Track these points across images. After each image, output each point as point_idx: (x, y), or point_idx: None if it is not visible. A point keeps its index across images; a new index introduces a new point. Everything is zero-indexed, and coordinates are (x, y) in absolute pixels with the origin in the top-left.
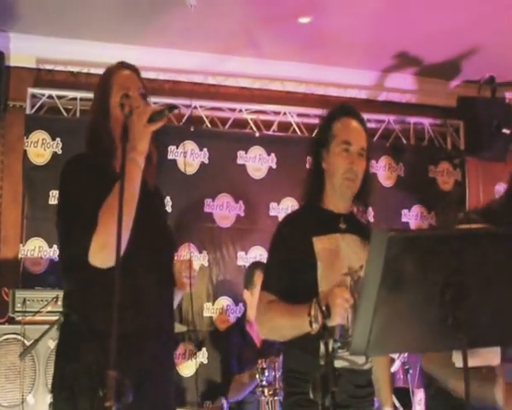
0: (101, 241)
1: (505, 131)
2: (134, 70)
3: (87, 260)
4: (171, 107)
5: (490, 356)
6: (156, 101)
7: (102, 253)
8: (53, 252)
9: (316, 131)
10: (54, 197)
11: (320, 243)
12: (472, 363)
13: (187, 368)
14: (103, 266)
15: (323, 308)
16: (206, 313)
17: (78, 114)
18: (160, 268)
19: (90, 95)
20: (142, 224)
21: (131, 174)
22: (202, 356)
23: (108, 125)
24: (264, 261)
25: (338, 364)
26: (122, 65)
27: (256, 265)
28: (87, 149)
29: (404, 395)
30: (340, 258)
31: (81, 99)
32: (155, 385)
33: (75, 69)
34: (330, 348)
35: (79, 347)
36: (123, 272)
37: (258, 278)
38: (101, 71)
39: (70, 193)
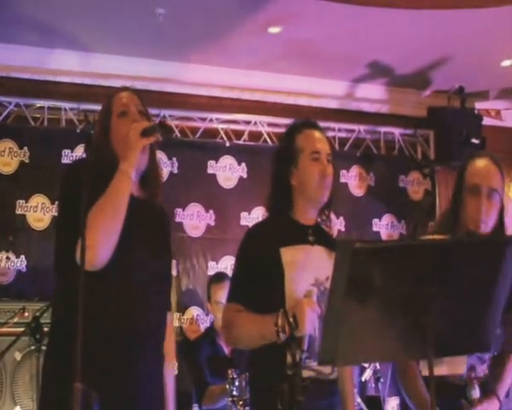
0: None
1: (474, 140)
2: (133, 92)
3: (75, 267)
4: (162, 124)
5: (456, 364)
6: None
7: (87, 254)
8: (20, 262)
9: (278, 149)
10: (21, 207)
11: (288, 254)
12: (438, 371)
13: None
14: (88, 267)
15: (291, 319)
16: (175, 324)
17: (45, 123)
18: (152, 283)
19: (59, 103)
20: (137, 238)
21: (119, 183)
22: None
23: (110, 143)
24: (220, 274)
25: (305, 374)
26: (123, 88)
27: (212, 278)
28: (91, 158)
29: (375, 404)
30: (308, 269)
31: (49, 108)
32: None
33: (43, 77)
34: (298, 358)
35: (63, 357)
36: (110, 282)
37: (214, 290)
38: (69, 79)
39: (65, 202)
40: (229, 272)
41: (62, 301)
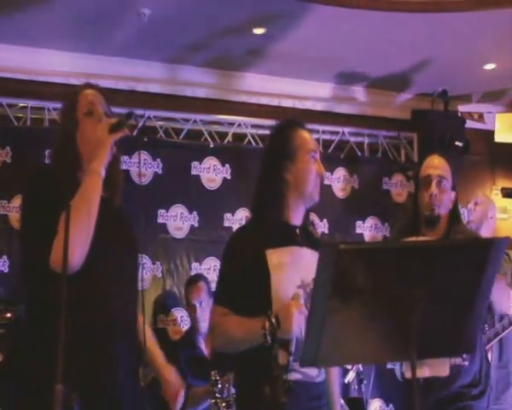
0: (60, 246)
1: (458, 143)
2: (98, 90)
3: (48, 269)
4: (128, 114)
5: (438, 367)
6: None
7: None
8: (2, 263)
9: (272, 144)
10: (3, 207)
11: (273, 256)
12: (421, 374)
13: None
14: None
15: (274, 320)
16: (159, 325)
17: (28, 123)
18: (125, 280)
19: (42, 103)
20: (105, 236)
21: (91, 183)
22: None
23: (74, 140)
24: (193, 276)
25: (292, 376)
26: (87, 85)
27: (186, 281)
28: (52, 162)
29: (358, 406)
30: (294, 271)
31: (32, 108)
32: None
33: (26, 77)
34: (285, 361)
35: (41, 360)
36: (86, 282)
37: (189, 293)
38: (53, 79)
39: (32, 205)
40: (213, 274)
41: (37, 303)
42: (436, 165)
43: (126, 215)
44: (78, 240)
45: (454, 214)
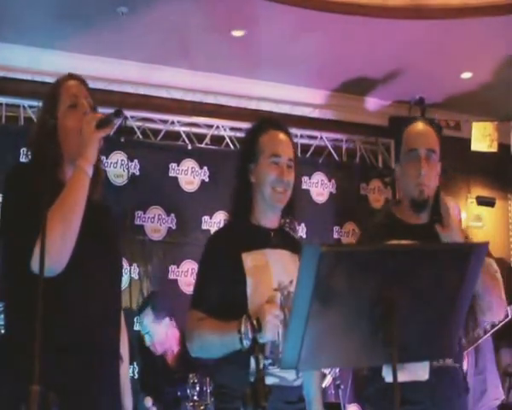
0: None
1: None
2: (81, 81)
3: (29, 270)
4: (117, 111)
5: (419, 371)
6: None
7: (45, 259)
8: None
9: (242, 146)
10: None
11: (249, 259)
12: (401, 378)
13: None
14: (46, 273)
15: (254, 322)
16: (136, 327)
17: (3, 121)
18: (106, 281)
19: (17, 101)
20: (87, 237)
21: (78, 181)
22: (132, 371)
23: (55, 135)
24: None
25: (268, 380)
26: (70, 76)
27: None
28: (31, 158)
29: None
30: (270, 273)
31: (7, 105)
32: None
33: (2, 74)
34: (261, 365)
35: (18, 361)
36: (66, 283)
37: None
38: (29, 77)
39: (11, 204)
40: (190, 277)
41: (15, 303)
42: (423, 133)
43: (107, 211)
44: (62, 243)
45: (439, 192)
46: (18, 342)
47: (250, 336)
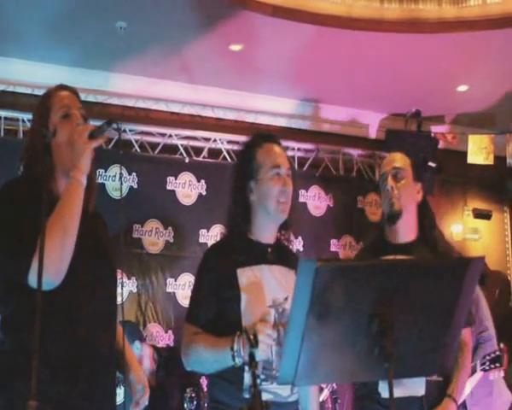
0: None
1: (431, 164)
2: (73, 91)
3: (26, 284)
4: (109, 121)
5: (415, 386)
6: None
7: (44, 273)
8: None
9: (238, 163)
10: None
11: (244, 275)
12: (397, 393)
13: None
14: (44, 286)
15: (251, 337)
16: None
17: (2, 134)
18: (102, 294)
19: (16, 114)
20: (83, 248)
21: (73, 193)
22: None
23: (49, 146)
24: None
25: (263, 396)
26: (61, 87)
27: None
28: (24, 171)
29: None
30: (265, 290)
31: (6, 118)
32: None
33: (1, 88)
34: (258, 380)
35: (14, 376)
36: (62, 296)
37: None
38: (28, 90)
39: (6, 219)
40: (188, 290)
41: (12, 317)
42: (390, 160)
43: (102, 222)
44: (59, 256)
45: (424, 210)
46: (14, 357)
47: (242, 354)
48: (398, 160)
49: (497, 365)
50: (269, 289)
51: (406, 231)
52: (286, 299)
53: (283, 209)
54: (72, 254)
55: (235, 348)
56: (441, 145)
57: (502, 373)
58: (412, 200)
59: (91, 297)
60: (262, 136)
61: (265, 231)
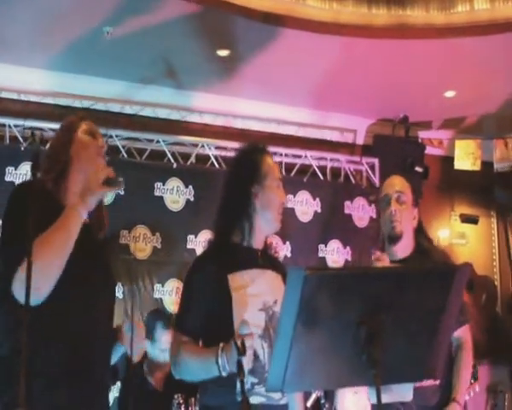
0: (22, 278)
1: (418, 169)
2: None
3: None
4: (122, 182)
5: (402, 392)
6: None
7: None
8: None
9: (240, 168)
10: None
11: (235, 280)
12: (385, 399)
13: None
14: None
15: (239, 344)
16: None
17: None
18: (100, 307)
19: (3, 120)
20: (85, 263)
21: (70, 222)
22: (117, 390)
23: (68, 148)
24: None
25: (255, 400)
26: (84, 117)
27: (156, 316)
28: (42, 174)
29: None
30: (255, 293)
31: None
32: None
33: None
34: (245, 387)
35: (11, 380)
36: (60, 307)
37: (161, 333)
38: (15, 96)
39: (9, 219)
40: (175, 296)
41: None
42: (393, 183)
43: (110, 247)
44: (44, 276)
45: (420, 231)
46: (11, 362)
47: (228, 368)
48: (402, 185)
49: (472, 381)
50: (259, 292)
51: (405, 250)
52: (275, 302)
53: (281, 220)
54: (85, 276)
55: (220, 362)
56: (428, 151)
57: (477, 388)
58: (410, 225)
59: (90, 310)
60: (262, 147)
61: (258, 237)
